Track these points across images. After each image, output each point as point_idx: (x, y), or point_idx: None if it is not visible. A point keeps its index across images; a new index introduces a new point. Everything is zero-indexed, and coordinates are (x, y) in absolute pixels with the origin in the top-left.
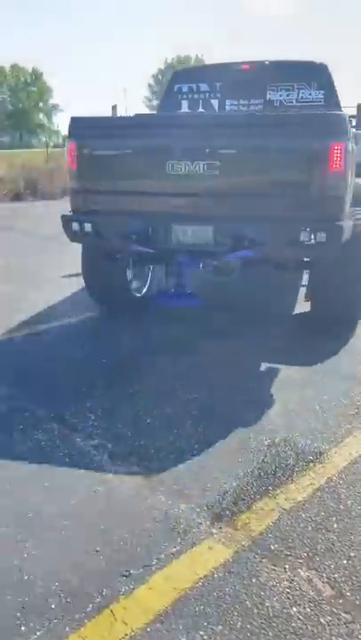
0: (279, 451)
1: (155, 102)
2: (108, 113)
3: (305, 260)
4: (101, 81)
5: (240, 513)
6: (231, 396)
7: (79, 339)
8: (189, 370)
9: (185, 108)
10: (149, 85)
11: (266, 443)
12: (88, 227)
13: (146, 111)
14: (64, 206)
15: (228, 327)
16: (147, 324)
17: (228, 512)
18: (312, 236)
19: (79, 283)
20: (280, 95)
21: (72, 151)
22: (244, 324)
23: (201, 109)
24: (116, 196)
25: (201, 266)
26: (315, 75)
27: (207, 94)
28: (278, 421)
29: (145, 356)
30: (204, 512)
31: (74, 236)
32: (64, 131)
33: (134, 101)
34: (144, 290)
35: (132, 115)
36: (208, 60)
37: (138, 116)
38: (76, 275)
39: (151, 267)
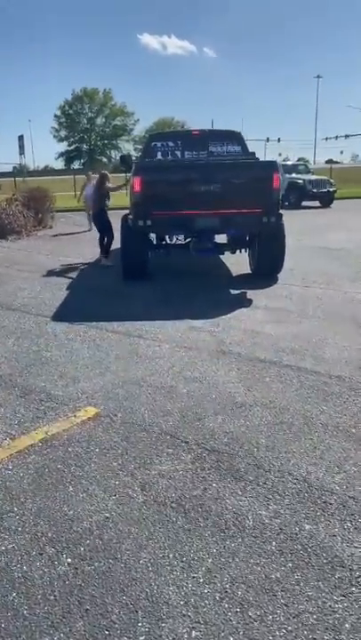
0: None
1: (63, 133)
2: (15, 142)
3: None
4: (2, 113)
5: None
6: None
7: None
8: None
9: (159, 156)
10: (56, 116)
11: None
12: (149, 222)
13: (54, 141)
14: None
15: (202, 280)
16: (154, 281)
17: None
18: (269, 219)
19: None
20: (216, 148)
21: (137, 181)
22: (209, 279)
23: (170, 157)
24: (165, 204)
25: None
26: (235, 137)
27: (173, 148)
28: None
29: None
30: None
31: (140, 228)
32: None
33: (40, 131)
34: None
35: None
36: (116, 93)
37: (176, 160)
38: None
39: (156, 251)
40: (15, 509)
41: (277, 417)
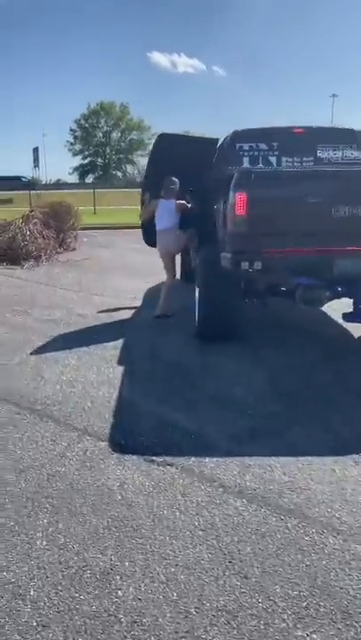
0: None
1: (77, 146)
2: (30, 155)
3: None
4: (15, 125)
5: None
6: None
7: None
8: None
9: (246, 163)
10: (72, 130)
11: None
12: (258, 264)
13: (66, 156)
14: None
15: (316, 344)
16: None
17: None
18: None
19: None
20: (328, 154)
21: (241, 200)
22: (324, 342)
23: (260, 165)
24: (283, 237)
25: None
26: (352, 137)
27: (265, 152)
28: None
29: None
30: None
31: (243, 272)
32: None
33: (54, 145)
34: None
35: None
36: (133, 106)
37: (304, 169)
38: None
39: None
40: None
41: None
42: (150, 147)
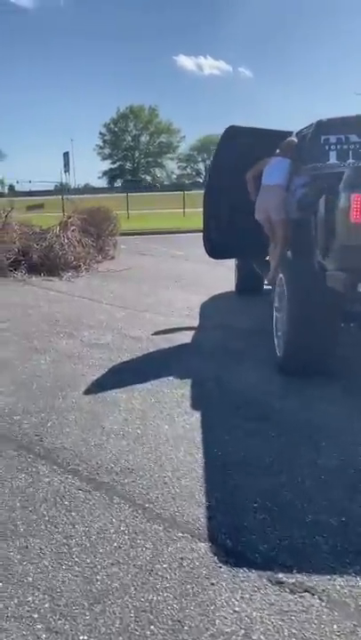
0: None
1: (107, 150)
2: (59, 160)
3: None
4: (43, 131)
5: None
6: None
7: None
8: None
9: (333, 159)
10: (101, 134)
11: None
12: None
13: (94, 160)
14: None
15: None
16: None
17: None
18: None
19: None
20: None
21: (359, 203)
22: None
23: (351, 160)
24: None
25: None
26: None
27: (357, 145)
28: None
29: None
30: None
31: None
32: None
33: (82, 150)
34: None
35: None
36: (162, 109)
37: None
38: None
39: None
40: None
41: None
42: (179, 149)
